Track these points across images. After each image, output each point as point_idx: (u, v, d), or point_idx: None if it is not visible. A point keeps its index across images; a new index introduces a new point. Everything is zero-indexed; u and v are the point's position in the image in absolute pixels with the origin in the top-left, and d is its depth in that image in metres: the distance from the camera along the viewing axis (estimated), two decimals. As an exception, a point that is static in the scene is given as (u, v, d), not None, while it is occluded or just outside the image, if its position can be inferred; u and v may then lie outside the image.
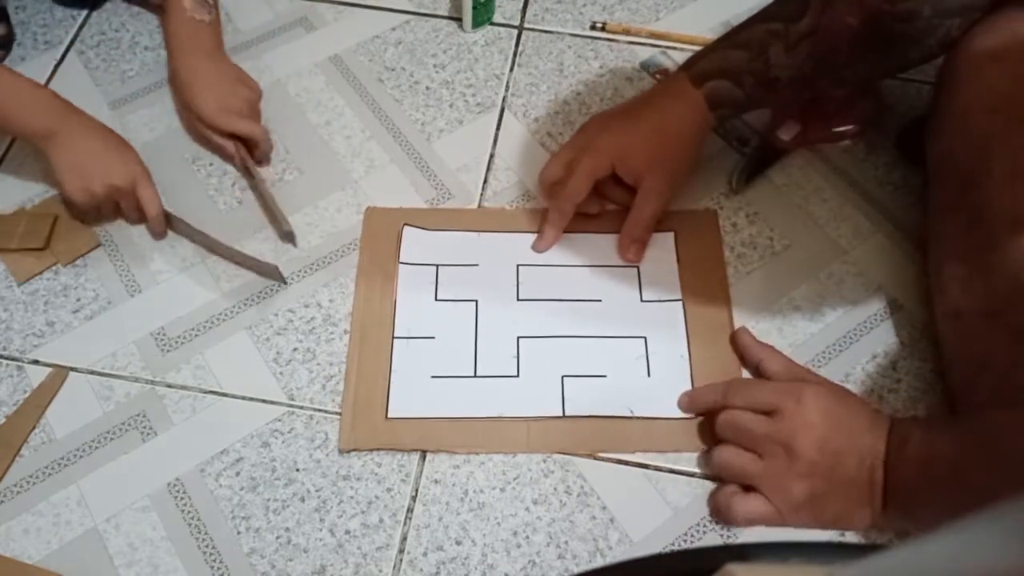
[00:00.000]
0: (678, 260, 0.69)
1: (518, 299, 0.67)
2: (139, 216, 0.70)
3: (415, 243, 0.70)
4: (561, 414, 0.62)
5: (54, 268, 0.69)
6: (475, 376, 0.63)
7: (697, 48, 0.82)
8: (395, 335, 0.65)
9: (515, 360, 0.64)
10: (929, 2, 0.58)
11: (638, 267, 0.69)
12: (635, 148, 0.66)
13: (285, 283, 0.68)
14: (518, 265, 0.69)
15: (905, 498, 0.53)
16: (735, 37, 0.65)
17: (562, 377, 0.63)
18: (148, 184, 0.69)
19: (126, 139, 0.71)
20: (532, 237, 0.70)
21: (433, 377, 0.63)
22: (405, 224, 0.70)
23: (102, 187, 0.67)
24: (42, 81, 0.80)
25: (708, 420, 0.61)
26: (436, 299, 0.67)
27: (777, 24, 0.62)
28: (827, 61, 0.62)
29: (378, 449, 0.61)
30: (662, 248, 0.70)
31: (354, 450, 0.61)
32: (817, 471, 0.54)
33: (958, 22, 0.59)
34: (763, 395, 0.57)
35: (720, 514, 0.57)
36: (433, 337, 0.65)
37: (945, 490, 0.50)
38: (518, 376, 0.63)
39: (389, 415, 0.62)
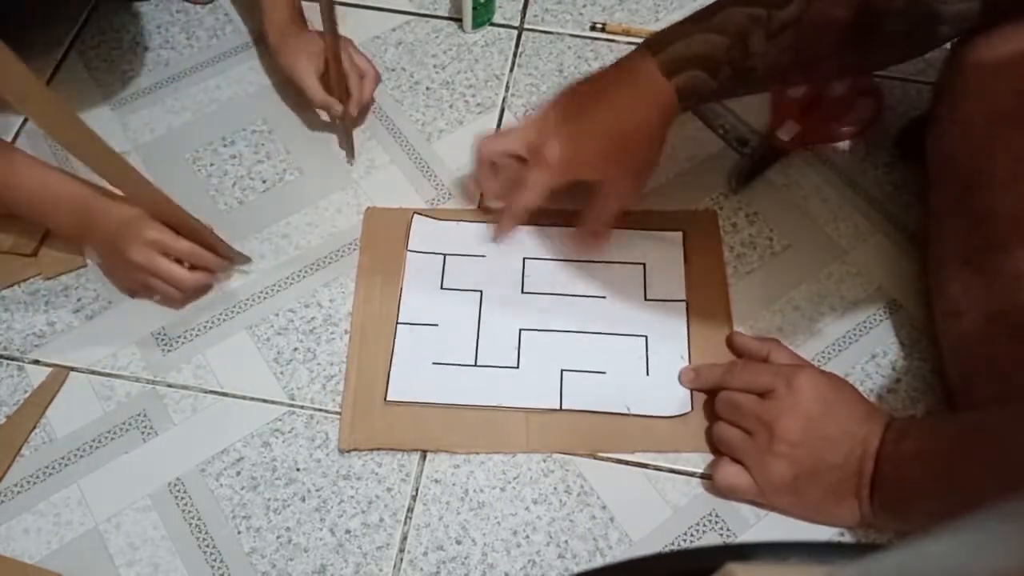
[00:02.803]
0: (685, 260, 0.69)
1: (522, 292, 0.67)
2: (183, 279, 0.64)
3: (424, 232, 0.70)
4: (558, 407, 0.62)
5: (37, 277, 0.69)
6: (475, 365, 0.64)
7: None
8: (399, 321, 0.65)
9: (516, 351, 0.64)
10: (922, 3, 0.58)
11: (644, 265, 0.69)
12: (598, 154, 0.61)
13: (249, 260, 0.70)
14: (524, 258, 0.69)
15: (896, 495, 0.53)
16: (710, 19, 0.59)
17: (561, 371, 0.63)
18: (173, 241, 0.63)
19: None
20: (539, 230, 0.70)
21: (434, 364, 0.64)
22: (415, 213, 0.70)
23: (132, 269, 0.63)
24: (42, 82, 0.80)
25: (706, 420, 0.61)
26: (441, 288, 0.67)
27: (759, 9, 0.58)
28: (807, 53, 0.60)
29: (378, 449, 0.61)
30: (670, 248, 0.70)
31: (354, 450, 0.61)
32: (799, 454, 0.55)
33: (947, 29, 0.60)
34: (759, 376, 0.58)
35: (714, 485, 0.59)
36: (436, 325, 0.65)
37: (938, 487, 0.50)
38: (518, 367, 0.64)
39: (389, 398, 0.62)
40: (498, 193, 0.68)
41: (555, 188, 0.63)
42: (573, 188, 0.65)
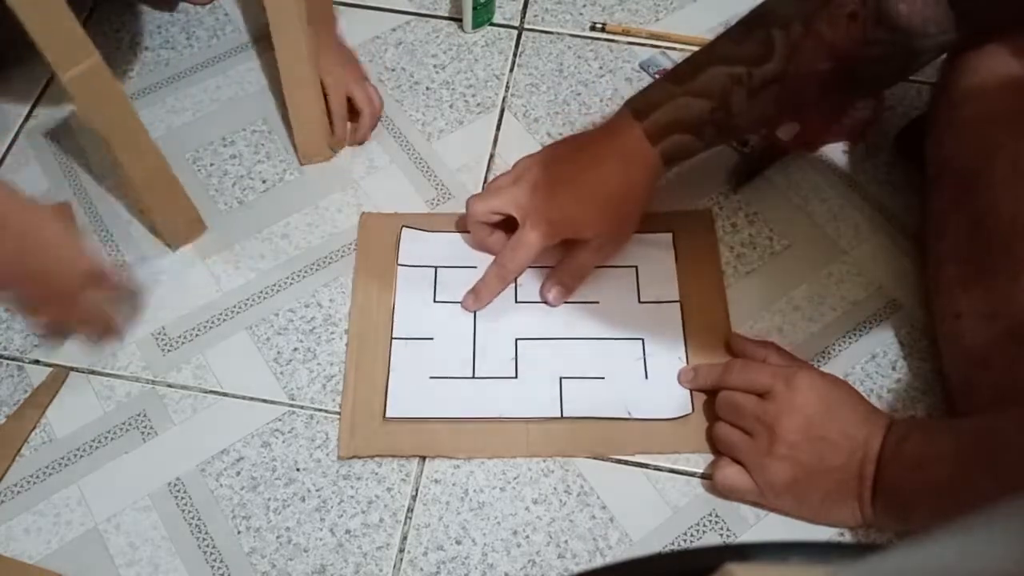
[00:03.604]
0: (676, 260, 0.69)
1: (516, 301, 0.67)
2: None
3: (414, 245, 0.69)
4: (559, 415, 0.62)
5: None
6: (473, 377, 0.63)
7: (695, 49, 0.82)
8: (394, 336, 0.65)
9: (513, 362, 0.64)
10: (901, 44, 0.58)
11: (636, 268, 0.68)
12: (587, 219, 0.63)
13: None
14: None
15: (898, 497, 0.53)
16: (692, 81, 0.60)
17: (560, 379, 0.63)
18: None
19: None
20: None
21: (432, 378, 0.63)
22: (404, 226, 0.70)
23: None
24: (41, 84, 0.80)
25: (706, 421, 0.61)
26: (434, 300, 0.67)
27: (739, 68, 0.58)
28: (789, 103, 0.61)
29: (377, 456, 0.61)
30: (660, 249, 0.69)
31: (354, 457, 0.61)
32: (799, 455, 0.54)
33: (926, 58, 0.60)
34: (758, 376, 0.58)
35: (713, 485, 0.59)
36: (432, 338, 0.65)
37: (941, 492, 0.50)
38: (516, 378, 0.63)
39: (388, 415, 0.62)
40: (491, 250, 0.68)
41: (545, 248, 0.64)
42: (559, 247, 0.65)
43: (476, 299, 0.66)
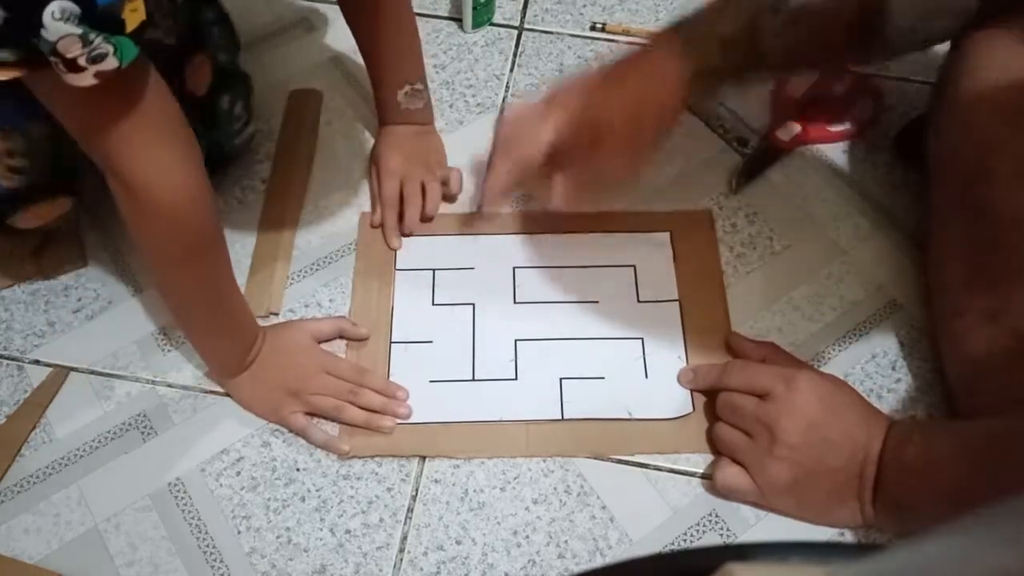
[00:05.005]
0: (674, 260, 0.69)
1: (515, 302, 0.67)
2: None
3: (411, 249, 0.70)
4: (560, 417, 0.62)
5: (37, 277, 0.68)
6: (473, 380, 0.63)
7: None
8: (392, 340, 0.65)
9: (513, 363, 0.64)
10: (913, 8, 0.57)
11: (635, 267, 0.69)
12: (614, 110, 0.59)
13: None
14: (514, 267, 0.69)
15: (899, 500, 0.53)
16: (727, 9, 0.59)
17: (560, 379, 0.63)
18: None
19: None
20: (529, 239, 0.70)
21: (431, 382, 0.63)
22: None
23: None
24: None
25: (706, 421, 0.61)
26: (433, 303, 0.67)
27: None
28: (817, 45, 0.59)
29: (377, 456, 0.61)
30: (657, 248, 0.70)
31: (353, 457, 0.61)
32: (799, 456, 0.54)
33: (943, 25, 0.60)
34: (758, 377, 0.57)
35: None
36: (431, 341, 0.65)
37: (942, 494, 0.50)
38: (516, 379, 0.63)
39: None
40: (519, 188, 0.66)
41: (561, 142, 0.59)
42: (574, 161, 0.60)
43: (487, 198, 0.65)
